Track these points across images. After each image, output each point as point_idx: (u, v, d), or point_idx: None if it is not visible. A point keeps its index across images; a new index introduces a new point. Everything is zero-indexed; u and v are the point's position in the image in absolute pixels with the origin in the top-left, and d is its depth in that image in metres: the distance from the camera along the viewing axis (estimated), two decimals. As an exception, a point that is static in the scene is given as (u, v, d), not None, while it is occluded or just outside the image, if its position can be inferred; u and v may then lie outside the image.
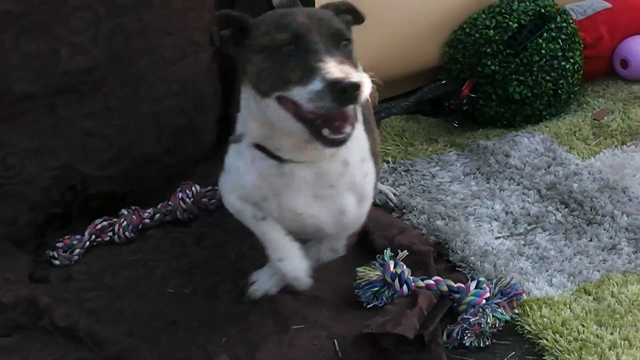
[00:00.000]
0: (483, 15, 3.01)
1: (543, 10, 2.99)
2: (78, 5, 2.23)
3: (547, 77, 2.92)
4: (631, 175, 2.48)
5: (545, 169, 2.60)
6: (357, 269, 2.06)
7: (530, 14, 2.96)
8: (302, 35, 1.49)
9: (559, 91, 2.97)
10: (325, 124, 1.47)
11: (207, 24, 2.38)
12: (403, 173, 2.70)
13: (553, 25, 2.95)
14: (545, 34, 2.93)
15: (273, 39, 1.51)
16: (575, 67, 3.00)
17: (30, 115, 2.27)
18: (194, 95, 2.56)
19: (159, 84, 2.45)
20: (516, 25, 2.93)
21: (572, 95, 3.08)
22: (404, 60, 3.07)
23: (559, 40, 2.94)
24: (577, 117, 2.97)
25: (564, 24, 2.98)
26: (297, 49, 1.48)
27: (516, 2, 3.01)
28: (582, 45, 3.07)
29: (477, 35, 2.96)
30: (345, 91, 1.38)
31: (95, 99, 2.35)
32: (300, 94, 1.44)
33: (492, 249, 2.19)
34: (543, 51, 2.90)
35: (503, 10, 2.98)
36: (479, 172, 2.66)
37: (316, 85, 1.41)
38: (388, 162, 2.77)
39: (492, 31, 2.93)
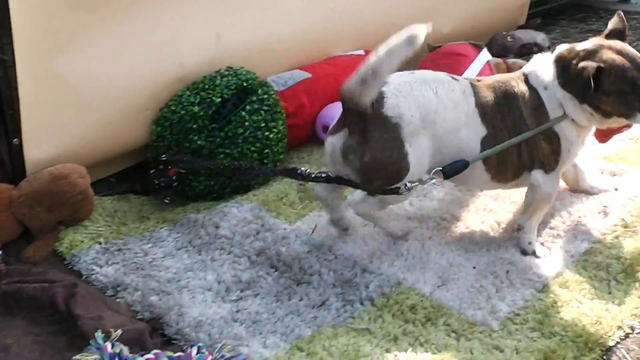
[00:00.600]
0: (188, 92, 3.24)
1: (245, 84, 3.29)
2: None
3: (252, 148, 3.19)
4: (335, 234, 2.80)
5: (254, 236, 2.82)
6: (74, 357, 2.12)
7: (232, 87, 3.24)
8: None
9: (265, 160, 3.26)
10: None
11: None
12: (116, 252, 2.79)
13: (255, 98, 3.25)
14: (248, 107, 3.22)
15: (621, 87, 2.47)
16: (279, 136, 3.31)
17: None
18: None
19: None
20: (220, 99, 3.19)
21: (277, 163, 3.39)
22: (111, 142, 3.21)
23: (262, 112, 3.24)
24: (283, 183, 3.26)
25: (266, 96, 3.30)
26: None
27: (219, 77, 3.28)
28: (285, 115, 3.42)
29: (182, 112, 3.17)
30: None
31: None
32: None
33: (207, 318, 2.35)
34: (247, 123, 3.18)
35: (207, 86, 3.23)
36: (191, 245, 2.83)
37: None
38: (100, 242, 2.85)
39: (196, 107, 3.16)
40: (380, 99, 2.47)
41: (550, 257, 2.62)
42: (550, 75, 2.58)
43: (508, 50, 4.97)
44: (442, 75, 2.61)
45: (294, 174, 2.70)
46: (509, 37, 4.97)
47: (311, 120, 3.64)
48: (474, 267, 2.57)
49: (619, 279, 2.49)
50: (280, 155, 3.39)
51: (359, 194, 2.65)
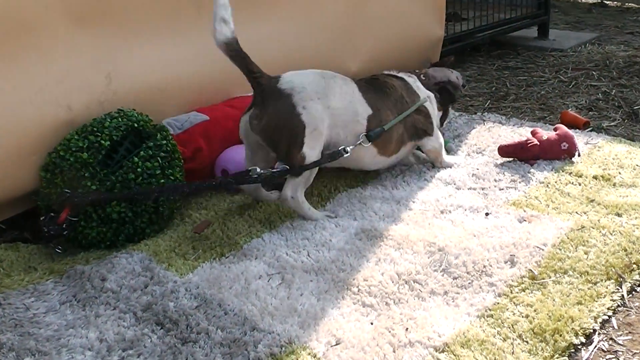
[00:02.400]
0: (76, 136, 3.22)
1: (136, 125, 3.30)
2: None
3: (147, 196, 3.20)
4: (227, 287, 2.81)
5: (142, 290, 2.81)
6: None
7: (122, 129, 3.24)
8: None
9: (160, 208, 3.28)
10: None
11: None
12: (-7, 308, 2.74)
13: (152, 143, 3.26)
14: (142, 152, 3.23)
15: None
16: (176, 183, 3.33)
17: None
18: None
19: None
20: (108, 143, 3.19)
21: (174, 210, 3.41)
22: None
23: (158, 158, 3.25)
24: (178, 232, 3.27)
25: (164, 142, 3.31)
26: None
27: (108, 119, 3.28)
28: (182, 160, 3.44)
29: (72, 159, 3.15)
30: None
31: None
32: None
33: (79, 382, 2.34)
34: (139, 169, 3.18)
35: (95, 129, 3.23)
36: (76, 300, 2.79)
37: None
38: (-15, 298, 2.80)
39: (85, 153, 3.15)
40: (276, 78, 3.27)
41: (453, 307, 2.66)
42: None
43: (421, 88, 5.10)
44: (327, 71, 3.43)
45: (243, 180, 3.25)
46: (422, 76, 5.10)
47: (209, 164, 3.67)
48: (372, 323, 2.61)
49: (525, 337, 2.48)
50: (177, 202, 3.41)
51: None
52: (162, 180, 3.25)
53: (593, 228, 3.07)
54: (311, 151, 3.24)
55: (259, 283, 2.82)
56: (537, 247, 2.95)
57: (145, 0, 3.56)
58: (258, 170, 3.17)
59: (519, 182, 3.58)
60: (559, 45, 6.47)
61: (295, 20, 4.29)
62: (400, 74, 3.83)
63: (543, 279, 2.77)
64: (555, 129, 3.91)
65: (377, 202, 3.46)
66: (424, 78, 5.08)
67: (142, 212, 3.23)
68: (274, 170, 3.24)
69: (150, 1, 3.58)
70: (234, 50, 3.17)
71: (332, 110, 3.27)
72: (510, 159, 3.83)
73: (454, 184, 3.62)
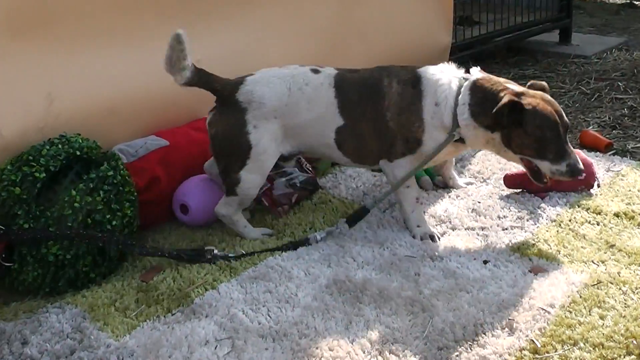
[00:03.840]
0: (9, 167, 2.79)
1: (79, 153, 2.86)
2: None
3: (87, 235, 2.76)
4: (166, 356, 2.35)
5: (69, 357, 2.38)
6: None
7: (61, 158, 2.81)
8: (561, 134, 2.79)
9: (104, 251, 2.83)
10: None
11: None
12: None
13: (94, 175, 2.82)
14: (82, 185, 2.78)
15: (544, 133, 2.78)
16: (125, 221, 2.89)
17: None
18: None
19: None
20: (44, 175, 2.75)
21: (124, 253, 2.97)
22: None
23: (101, 192, 2.81)
24: (125, 278, 2.83)
25: (111, 173, 2.87)
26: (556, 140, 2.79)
27: (47, 147, 2.84)
28: (136, 194, 3.00)
29: (4, 194, 2.73)
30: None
31: None
32: (546, 167, 2.84)
33: None
34: (77, 205, 2.74)
35: (30, 158, 2.79)
36: (-5, 365, 2.37)
37: (562, 167, 2.80)
38: None
39: (18, 188, 2.72)
40: (238, 85, 3.00)
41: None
42: (455, 96, 2.91)
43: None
44: (302, 70, 3.04)
45: (197, 259, 2.89)
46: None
47: (168, 196, 3.23)
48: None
49: None
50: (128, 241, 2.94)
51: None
52: (108, 216, 2.82)
53: (612, 284, 2.57)
54: (249, 175, 2.99)
55: (203, 351, 2.36)
56: (543, 308, 2.45)
57: (93, 8, 3.11)
58: (215, 251, 2.87)
59: (527, 221, 3.08)
60: (582, 52, 5.94)
61: (278, 24, 3.83)
62: (428, 71, 3.01)
63: (547, 352, 2.27)
64: (571, 155, 3.41)
65: (357, 244, 2.97)
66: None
67: (83, 254, 2.79)
68: (230, 255, 2.89)
69: (98, 9, 3.13)
70: (196, 81, 2.95)
71: (294, 128, 3.00)
72: (518, 190, 3.32)
73: (449, 222, 3.13)
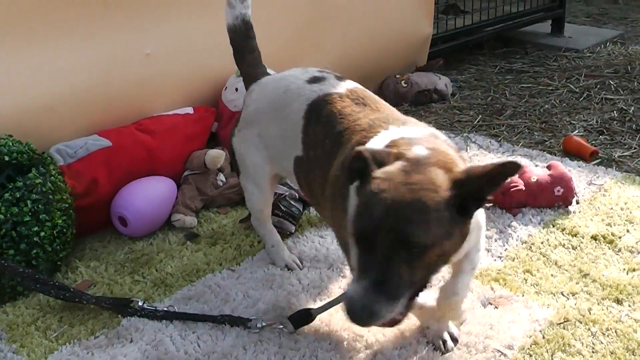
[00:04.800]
0: None
1: (8, 158, 2.62)
2: None
3: (12, 251, 2.54)
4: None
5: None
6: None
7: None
8: (367, 236, 1.67)
9: (34, 262, 2.60)
10: None
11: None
12: None
13: (21, 182, 2.58)
14: (7, 195, 2.54)
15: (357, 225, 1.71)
16: (56, 231, 2.65)
17: None
18: None
19: None
20: (-35, 183, 2.51)
21: (57, 263, 2.73)
22: None
23: (28, 202, 2.56)
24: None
25: (39, 180, 2.62)
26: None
27: (-30, 150, 2.60)
28: (72, 200, 2.76)
29: None
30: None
31: None
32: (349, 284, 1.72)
33: None
34: (1, 216, 2.51)
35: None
36: None
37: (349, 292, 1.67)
38: None
39: None
40: (255, 80, 2.60)
41: None
42: None
43: (402, 97, 4.37)
44: (297, 85, 2.42)
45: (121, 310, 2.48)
46: (402, 82, 4.36)
47: (108, 202, 2.97)
48: None
49: None
50: (62, 252, 2.73)
51: None
52: (35, 228, 2.57)
53: (580, 322, 2.31)
54: (247, 184, 2.64)
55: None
56: (499, 350, 2.20)
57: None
58: (140, 303, 2.46)
59: (494, 241, 2.82)
60: (574, 44, 5.64)
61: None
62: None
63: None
64: (548, 167, 3.15)
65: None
66: (405, 85, 4.37)
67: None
68: (156, 308, 2.47)
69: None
70: (239, 34, 2.63)
71: (263, 137, 2.51)
72: (489, 205, 3.06)
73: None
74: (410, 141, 1.85)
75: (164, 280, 2.66)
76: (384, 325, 1.73)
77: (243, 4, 2.58)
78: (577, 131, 3.96)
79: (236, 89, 3.36)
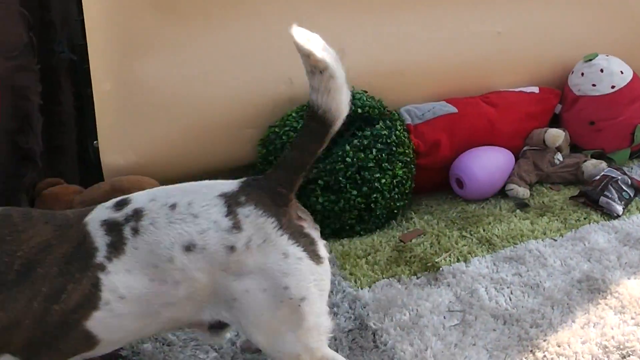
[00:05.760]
0: (294, 115, 2.98)
1: (361, 111, 2.94)
2: None
3: (355, 192, 2.86)
4: (395, 313, 2.37)
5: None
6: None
7: (347, 116, 2.91)
8: None
9: (373, 206, 2.90)
10: None
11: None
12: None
13: (369, 132, 2.90)
14: (355, 141, 2.88)
15: None
16: (396, 181, 2.93)
17: None
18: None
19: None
20: (324, 129, 2.88)
21: (394, 211, 3.01)
22: (204, 158, 3.05)
23: (374, 150, 2.87)
24: (385, 236, 2.90)
25: (385, 132, 2.92)
26: None
27: (328, 100, 2.97)
28: (413, 156, 3.03)
29: (285, 138, 2.92)
30: None
31: None
32: None
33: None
34: (348, 159, 2.84)
35: (311, 110, 2.94)
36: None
37: None
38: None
39: (298, 134, 2.90)
40: None
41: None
42: None
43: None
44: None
45: None
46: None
47: (446, 165, 3.20)
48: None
49: None
50: (398, 202, 3.00)
51: None
52: (377, 174, 2.88)
53: None
54: None
55: (431, 318, 2.35)
56: None
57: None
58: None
59: None
60: None
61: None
62: None
63: None
64: None
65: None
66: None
67: (350, 208, 2.90)
68: None
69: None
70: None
71: None
72: None
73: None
74: None
75: (489, 239, 2.82)
76: None
77: None
78: None
79: (582, 74, 3.41)
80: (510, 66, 3.38)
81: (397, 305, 2.42)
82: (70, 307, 1.64)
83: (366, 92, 3.05)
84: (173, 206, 1.69)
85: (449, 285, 2.53)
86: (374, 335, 2.29)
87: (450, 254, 2.71)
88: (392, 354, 2.20)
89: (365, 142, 2.88)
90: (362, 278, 2.61)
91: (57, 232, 1.70)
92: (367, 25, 3.16)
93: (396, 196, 2.96)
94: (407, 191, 3.02)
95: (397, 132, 2.97)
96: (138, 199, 1.75)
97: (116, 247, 1.67)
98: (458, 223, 2.97)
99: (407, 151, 3.00)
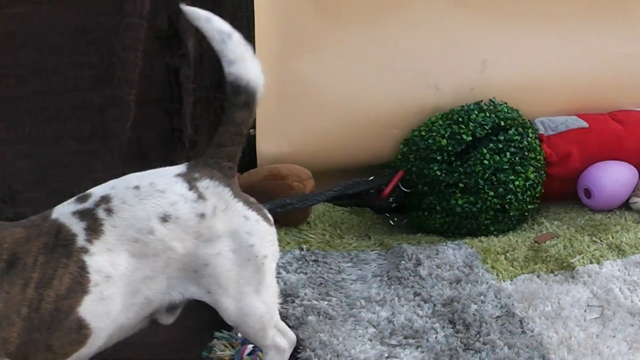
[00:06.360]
0: (440, 122, 3.21)
1: (503, 123, 3.17)
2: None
3: (491, 193, 3.08)
4: (539, 305, 2.57)
5: (450, 284, 2.71)
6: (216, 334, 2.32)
7: (488, 126, 3.15)
8: None
9: (507, 207, 3.12)
10: None
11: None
12: (311, 262, 2.87)
13: (502, 137, 3.12)
14: (491, 145, 3.10)
15: None
16: (528, 184, 3.14)
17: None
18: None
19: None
20: (470, 138, 3.13)
21: (525, 213, 3.22)
22: (349, 152, 3.33)
23: (507, 153, 3.10)
24: (520, 236, 3.11)
25: (517, 137, 3.14)
26: None
27: (475, 111, 3.20)
28: (543, 162, 3.24)
29: (430, 141, 3.16)
30: None
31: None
32: None
33: (348, 354, 2.31)
34: (486, 162, 3.07)
35: (460, 119, 3.18)
36: (387, 276, 2.80)
37: None
38: (302, 249, 2.96)
39: (445, 140, 3.13)
40: None
41: None
42: None
43: None
44: None
45: None
46: None
47: (576, 176, 3.40)
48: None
49: None
50: (528, 205, 3.21)
51: None
52: (512, 177, 3.10)
53: None
54: None
55: (573, 310, 2.54)
56: None
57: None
58: None
59: None
60: None
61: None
62: None
63: None
64: None
65: None
66: None
67: (487, 209, 3.12)
68: None
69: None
70: None
71: None
72: None
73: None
74: None
75: (619, 245, 2.99)
76: None
77: None
78: None
79: None
80: (637, 87, 3.56)
81: (539, 297, 2.61)
82: (62, 292, 1.71)
83: (506, 103, 3.28)
84: (137, 187, 1.81)
85: (585, 284, 2.71)
86: (521, 323, 2.48)
87: (583, 256, 2.89)
88: (539, 339, 2.39)
89: (500, 145, 3.11)
90: (503, 272, 2.81)
91: (30, 229, 1.76)
92: (507, 37, 3.38)
93: (527, 199, 3.17)
94: (537, 195, 3.23)
95: (529, 138, 3.19)
96: (97, 190, 1.85)
97: (94, 230, 1.76)
98: (587, 230, 3.15)
99: (538, 157, 3.21)
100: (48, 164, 3.00)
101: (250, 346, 2.23)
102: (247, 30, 3.09)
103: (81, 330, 1.76)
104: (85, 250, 1.75)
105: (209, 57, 3.14)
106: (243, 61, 1.90)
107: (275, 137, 3.18)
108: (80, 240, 1.75)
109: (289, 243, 2.98)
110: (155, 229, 1.78)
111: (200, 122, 3.24)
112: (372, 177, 3.25)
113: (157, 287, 1.85)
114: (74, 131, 3.03)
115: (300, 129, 3.20)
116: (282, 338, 2.06)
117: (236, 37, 1.89)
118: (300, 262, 2.87)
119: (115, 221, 1.77)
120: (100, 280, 1.75)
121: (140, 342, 2.12)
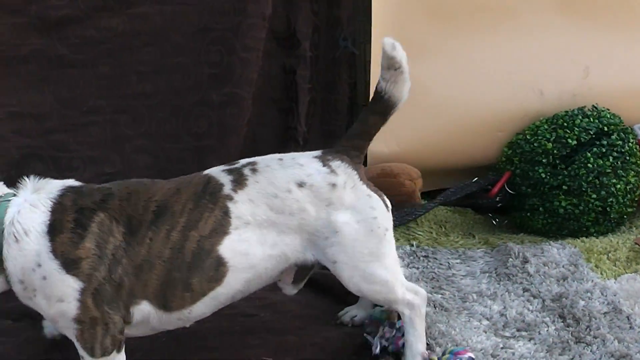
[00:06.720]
0: (545, 126, 3.36)
1: (606, 129, 3.30)
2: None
3: (594, 195, 3.22)
4: (643, 307, 2.71)
5: (558, 281, 2.85)
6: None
7: (592, 132, 3.28)
8: None
9: (608, 209, 3.25)
10: None
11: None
12: (421, 258, 3.05)
13: (605, 141, 3.26)
14: (594, 149, 3.24)
15: None
16: (629, 187, 3.27)
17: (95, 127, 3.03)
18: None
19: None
20: (575, 142, 3.26)
21: (625, 216, 3.35)
22: (456, 153, 3.50)
23: (610, 157, 3.23)
24: (620, 238, 3.22)
25: (620, 142, 3.27)
26: None
27: (580, 117, 3.34)
28: (644, 167, 3.35)
29: (535, 145, 3.32)
30: None
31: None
32: None
33: (466, 344, 2.47)
34: (590, 165, 3.20)
35: (565, 124, 3.32)
36: (495, 272, 2.95)
37: None
38: (412, 245, 3.14)
39: (550, 144, 3.28)
40: None
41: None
42: None
43: None
44: None
45: None
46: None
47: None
48: None
49: None
50: (628, 208, 3.34)
51: None
52: (614, 180, 3.24)
53: None
54: None
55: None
56: None
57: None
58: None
59: None
60: None
61: None
62: None
63: None
64: None
65: None
66: None
67: (588, 211, 3.26)
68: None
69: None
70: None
71: None
72: None
73: None
74: None
75: None
76: None
77: None
78: None
79: None
80: None
81: (643, 296, 2.74)
82: (206, 233, 1.96)
83: (609, 110, 3.40)
84: (280, 159, 2.10)
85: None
86: (628, 319, 2.61)
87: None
88: (645, 333, 2.52)
89: (603, 150, 3.24)
90: (607, 271, 2.93)
91: (181, 182, 2.05)
92: (609, 45, 3.50)
93: (627, 202, 3.30)
94: (636, 199, 3.35)
95: (630, 143, 3.31)
96: (245, 160, 2.14)
97: (239, 182, 2.02)
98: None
99: (638, 162, 3.33)
100: (165, 159, 3.21)
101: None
102: (364, 34, 3.27)
103: (219, 268, 1.98)
104: (229, 198, 2.00)
105: (324, 59, 3.33)
106: (396, 83, 2.16)
107: (385, 136, 3.33)
108: (227, 189, 2.02)
109: (399, 239, 3.14)
110: (293, 190, 2.03)
111: (313, 121, 3.43)
112: (475, 179, 3.41)
113: (293, 245, 2.07)
114: (192, 128, 3.23)
115: (409, 129, 3.35)
116: (413, 295, 2.25)
117: (404, 64, 2.15)
118: (412, 258, 3.04)
119: (258, 178, 2.04)
120: (240, 225, 2.00)
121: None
